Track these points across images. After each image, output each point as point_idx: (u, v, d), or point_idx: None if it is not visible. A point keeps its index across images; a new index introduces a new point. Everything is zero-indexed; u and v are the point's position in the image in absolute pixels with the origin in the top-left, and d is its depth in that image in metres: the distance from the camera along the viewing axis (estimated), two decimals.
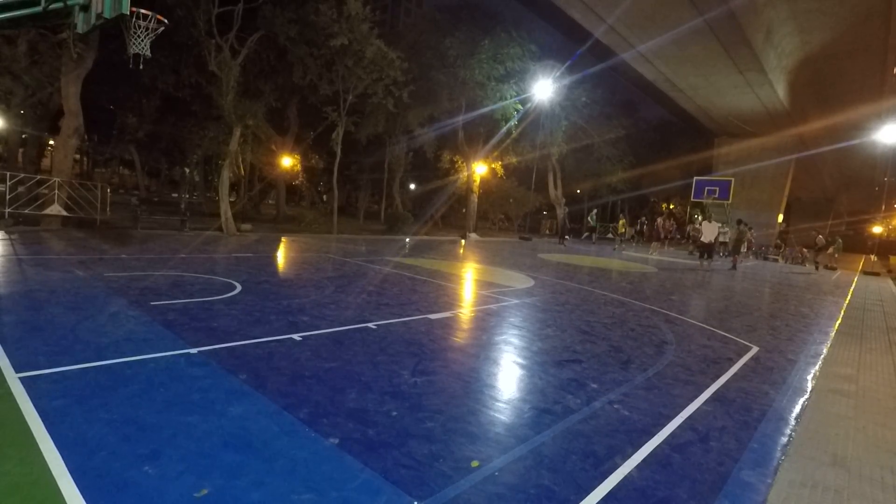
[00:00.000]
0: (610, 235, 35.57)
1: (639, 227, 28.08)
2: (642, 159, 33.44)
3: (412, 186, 35.49)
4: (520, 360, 4.55)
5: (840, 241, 23.55)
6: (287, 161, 23.33)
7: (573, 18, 20.73)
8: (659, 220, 25.71)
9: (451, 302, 7.17)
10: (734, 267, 17.52)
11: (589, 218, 28.68)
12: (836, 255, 22.87)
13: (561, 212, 26.64)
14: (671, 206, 46.70)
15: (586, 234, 30.07)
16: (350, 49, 15.11)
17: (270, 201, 32.55)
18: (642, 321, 6.81)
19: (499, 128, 22.57)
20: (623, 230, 27.11)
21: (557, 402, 3.58)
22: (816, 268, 21.75)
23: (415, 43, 21.57)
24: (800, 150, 31.69)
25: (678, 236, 27.44)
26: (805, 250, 25.16)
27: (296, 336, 4.63)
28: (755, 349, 5.73)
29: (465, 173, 25.09)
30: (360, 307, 6.13)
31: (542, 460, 2.72)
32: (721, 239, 21.48)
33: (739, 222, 18.90)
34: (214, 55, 13.63)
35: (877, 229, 43.94)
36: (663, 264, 17.49)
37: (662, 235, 25.24)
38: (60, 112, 14.27)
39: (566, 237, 25.30)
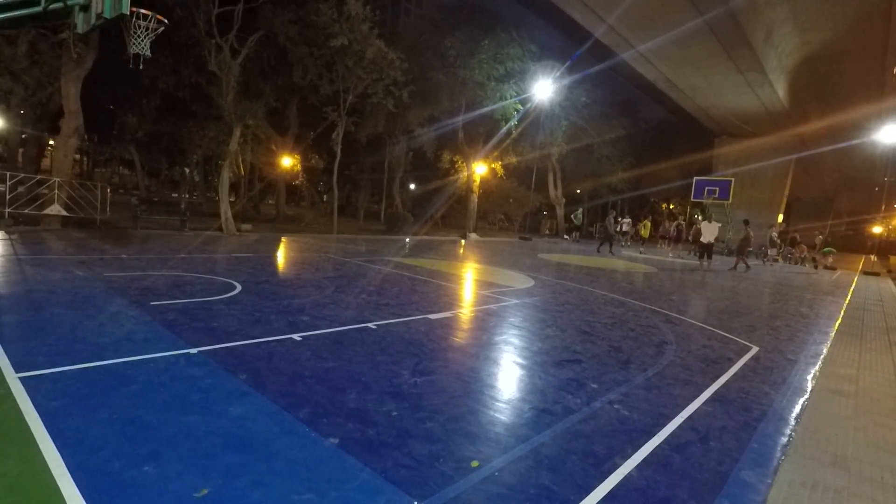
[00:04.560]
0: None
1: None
2: (642, 159, 33.42)
3: (412, 186, 35.50)
4: (520, 360, 4.54)
5: (828, 239, 24.19)
6: (287, 161, 23.34)
7: (573, 18, 20.73)
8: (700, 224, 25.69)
9: (451, 302, 7.17)
10: (734, 267, 17.51)
11: (573, 216, 28.56)
12: (823, 253, 23.35)
13: (611, 216, 21.21)
14: (671, 206, 46.71)
15: (574, 232, 29.96)
16: (350, 49, 15.11)
17: (270, 201, 32.60)
18: (642, 321, 6.81)
19: (499, 128, 22.54)
20: (645, 234, 26.89)
21: (557, 402, 3.58)
22: (816, 268, 21.80)
23: (415, 43, 21.56)
24: (800, 150, 31.66)
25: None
26: (805, 249, 25.31)
27: (296, 336, 4.63)
28: (755, 349, 5.73)
29: (465, 173, 25.07)
30: (360, 307, 6.12)
31: (542, 460, 2.72)
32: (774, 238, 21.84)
33: (746, 223, 18.61)
34: (214, 55, 13.63)
35: (877, 229, 43.93)
36: (664, 264, 17.49)
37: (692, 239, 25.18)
38: (60, 112, 14.27)
39: (608, 243, 20.50)
